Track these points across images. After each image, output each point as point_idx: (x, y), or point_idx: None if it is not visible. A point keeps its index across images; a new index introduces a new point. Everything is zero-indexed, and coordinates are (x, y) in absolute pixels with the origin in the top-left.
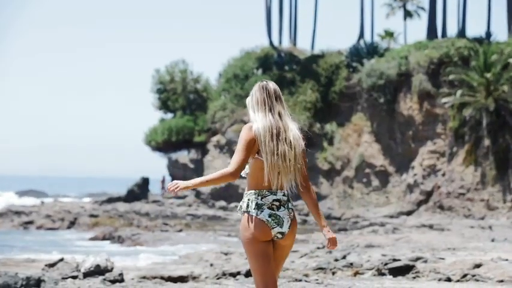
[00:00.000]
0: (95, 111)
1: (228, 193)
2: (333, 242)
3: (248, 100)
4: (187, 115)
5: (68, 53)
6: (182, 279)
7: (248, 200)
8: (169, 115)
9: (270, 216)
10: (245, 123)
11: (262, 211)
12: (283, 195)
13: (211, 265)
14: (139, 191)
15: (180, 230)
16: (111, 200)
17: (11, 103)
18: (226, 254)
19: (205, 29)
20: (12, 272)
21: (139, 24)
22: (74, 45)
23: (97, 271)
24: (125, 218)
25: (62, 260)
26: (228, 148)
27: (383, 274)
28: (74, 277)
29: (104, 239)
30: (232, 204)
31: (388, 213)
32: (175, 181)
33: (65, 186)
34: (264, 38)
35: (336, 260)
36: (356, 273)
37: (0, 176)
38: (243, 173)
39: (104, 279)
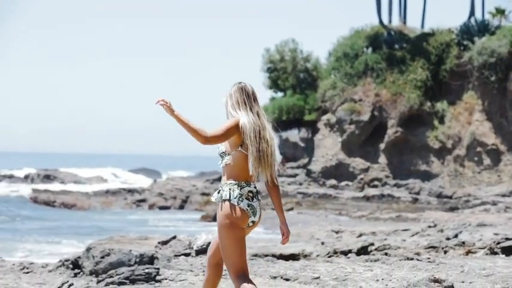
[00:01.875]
0: (206, 91)
1: (339, 172)
2: (286, 236)
3: (225, 100)
4: (297, 94)
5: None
6: (294, 257)
7: (229, 189)
8: (280, 94)
9: (248, 206)
10: (355, 101)
11: (242, 201)
12: (255, 187)
13: (323, 243)
14: None
15: (291, 209)
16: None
17: (126, 83)
18: (337, 232)
19: (315, 7)
20: (126, 249)
21: (248, 2)
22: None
23: None
24: None
25: (174, 237)
26: (338, 127)
27: (495, 253)
28: (187, 254)
29: (215, 218)
30: (343, 183)
31: (500, 191)
32: (167, 99)
33: (177, 164)
34: (374, 16)
35: (448, 238)
36: (468, 252)
37: (115, 154)
38: (221, 164)
39: None
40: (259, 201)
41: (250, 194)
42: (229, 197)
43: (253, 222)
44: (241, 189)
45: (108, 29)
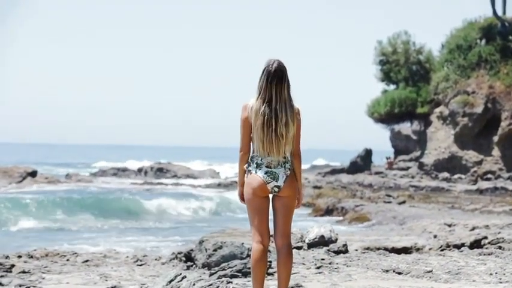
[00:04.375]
0: (320, 86)
1: (452, 164)
2: (298, 203)
3: None
4: (410, 86)
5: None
6: (406, 250)
7: (251, 160)
8: (392, 87)
9: (266, 173)
10: (468, 94)
11: (260, 169)
12: (283, 157)
13: (435, 237)
14: (362, 162)
15: (403, 202)
16: (334, 171)
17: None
18: (449, 225)
19: None
20: (238, 242)
21: None
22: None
23: (321, 242)
24: (348, 190)
25: None
26: (451, 119)
27: None
28: (299, 248)
29: (327, 211)
30: (456, 176)
31: None
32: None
33: None
34: (487, 7)
35: None
36: None
37: (227, 148)
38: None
39: (328, 250)
40: (287, 169)
41: (274, 163)
42: (249, 166)
43: (277, 187)
44: (261, 159)
45: None
